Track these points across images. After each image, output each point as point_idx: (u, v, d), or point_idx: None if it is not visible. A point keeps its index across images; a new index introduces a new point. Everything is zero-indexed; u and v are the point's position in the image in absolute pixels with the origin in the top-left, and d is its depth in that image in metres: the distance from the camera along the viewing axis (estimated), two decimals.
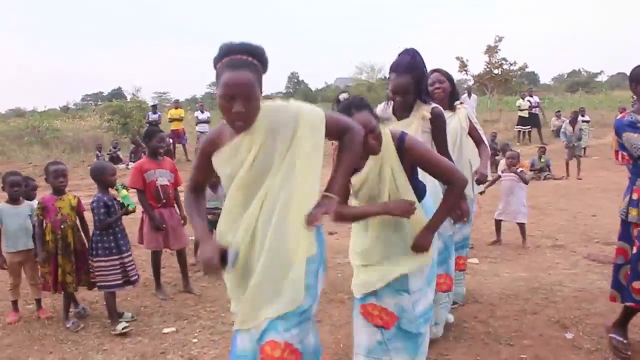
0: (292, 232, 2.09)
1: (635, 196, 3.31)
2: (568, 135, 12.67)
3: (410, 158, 2.69)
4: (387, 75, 3.57)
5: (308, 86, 57.33)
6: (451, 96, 4.06)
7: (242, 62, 2.01)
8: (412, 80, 3.26)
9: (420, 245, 2.73)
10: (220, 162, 2.21)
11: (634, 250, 3.31)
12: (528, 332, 3.88)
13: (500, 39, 24.86)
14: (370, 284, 2.79)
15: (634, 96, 3.48)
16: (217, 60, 2.07)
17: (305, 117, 2.13)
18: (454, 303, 4.21)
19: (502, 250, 6.27)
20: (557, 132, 17.83)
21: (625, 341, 3.44)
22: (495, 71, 25.12)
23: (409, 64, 3.26)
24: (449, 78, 4.07)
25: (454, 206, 2.98)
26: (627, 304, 3.42)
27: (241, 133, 2.10)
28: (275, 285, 2.09)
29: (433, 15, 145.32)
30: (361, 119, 2.48)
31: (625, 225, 3.39)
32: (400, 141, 2.68)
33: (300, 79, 62.51)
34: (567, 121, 13.25)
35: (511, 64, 25.18)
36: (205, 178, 2.45)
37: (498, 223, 6.65)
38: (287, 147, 2.10)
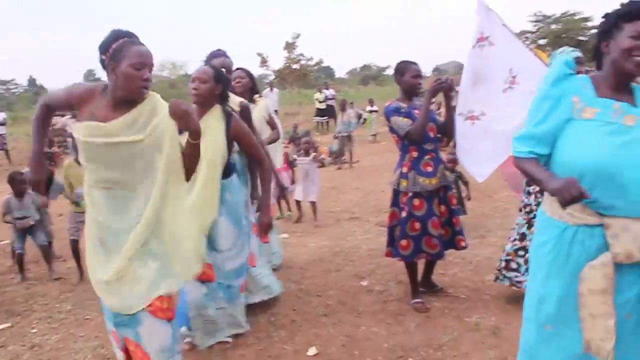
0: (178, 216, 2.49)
1: (404, 170, 3.94)
2: (338, 125, 13.53)
3: (234, 132, 3.34)
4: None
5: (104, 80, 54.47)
6: (251, 90, 4.78)
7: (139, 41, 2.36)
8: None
9: (267, 224, 3.51)
10: (97, 129, 2.32)
11: (403, 214, 3.94)
12: (332, 285, 4.70)
13: (297, 36, 26.41)
14: None
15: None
16: (111, 42, 2.30)
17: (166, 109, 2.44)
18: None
19: (307, 225, 7.11)
20: None
21: (421, 300, 4.07)
22: (294, 66, 26.62)
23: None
24: (250, 75, 4.79)
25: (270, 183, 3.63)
26: (396, 258, 4.08)
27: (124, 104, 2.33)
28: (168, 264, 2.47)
29: (234, 9, 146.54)
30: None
31: (396, 193, 4.03)
32: (228, 116, 3.34)
33: (97, 76, 59.39)
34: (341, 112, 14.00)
35: (308, 60, 26.90)
36: (58, 108, 2.57)
37: (298, 203, 7.40)
38: (165, 132, 2.38)
